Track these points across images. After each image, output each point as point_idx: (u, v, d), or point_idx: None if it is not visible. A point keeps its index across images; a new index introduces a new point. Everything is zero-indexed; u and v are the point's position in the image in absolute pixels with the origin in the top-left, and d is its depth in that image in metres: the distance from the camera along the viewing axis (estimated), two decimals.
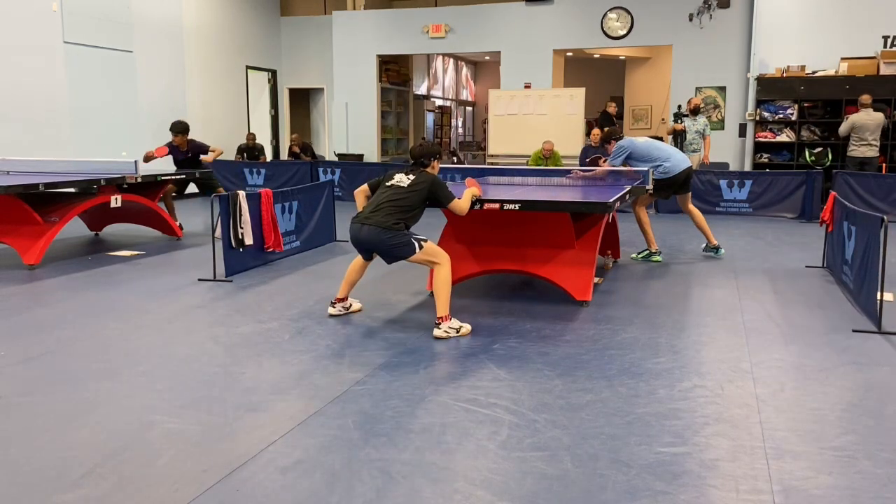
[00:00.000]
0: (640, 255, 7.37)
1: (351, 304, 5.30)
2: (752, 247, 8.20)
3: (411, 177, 4.95)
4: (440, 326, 4.72)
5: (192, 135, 9.25)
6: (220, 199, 6.50)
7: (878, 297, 4.83)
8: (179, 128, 8.83)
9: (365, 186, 5.14)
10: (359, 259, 5.15)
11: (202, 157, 9.04)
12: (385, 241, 4.74)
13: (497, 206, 5.11)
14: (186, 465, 2.91)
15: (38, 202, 7.06)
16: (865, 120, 10.61)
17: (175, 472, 2.84)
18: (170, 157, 8.99)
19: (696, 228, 7.60)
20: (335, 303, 5.22)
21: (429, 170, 5.05)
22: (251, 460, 2.94)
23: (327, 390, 3.72)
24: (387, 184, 4.97)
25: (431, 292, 5.80)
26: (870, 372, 4.04)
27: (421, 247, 4.78)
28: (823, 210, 6.73)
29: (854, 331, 4.81)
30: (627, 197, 6.22)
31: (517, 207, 5.09)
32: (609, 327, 4.92)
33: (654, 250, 7.34)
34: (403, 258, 4.84)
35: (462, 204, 5.01)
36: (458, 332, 4.74)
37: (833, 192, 6.75)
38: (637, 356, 4.30)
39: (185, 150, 8.93)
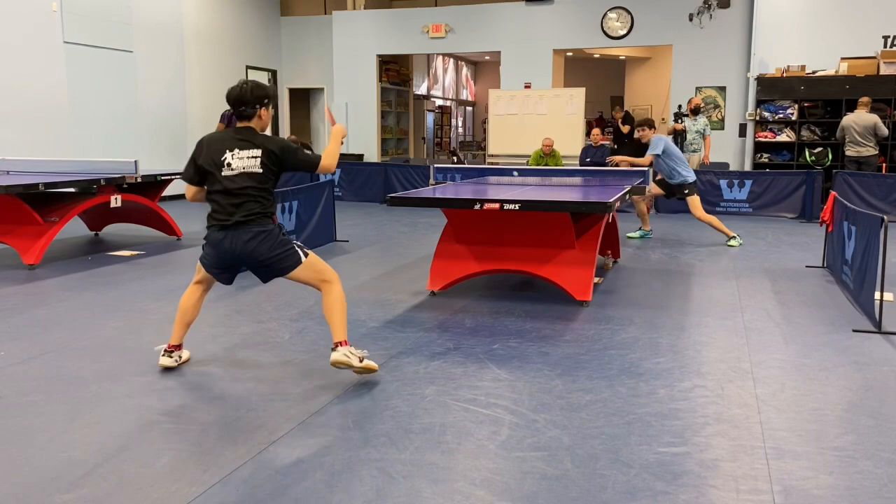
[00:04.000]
0: (736, 242, 8.20)
1: (182, 354, 4.08)
2: (752, 247, 8.20)
3: (249, 151, 3.64)
4: (338, 350, 3.72)
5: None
6: None
7: (878, 297, 4.83)
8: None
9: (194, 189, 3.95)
10: (195, 290, 4.00)
11: None
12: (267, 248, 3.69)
13: (497, 206, 5.11)
14: (186, 465, 2.91)
15: (38, 202, 7.06)
16: (852, 122, 10.58)
17: (175, 472, 2.84)
18: None
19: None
20: (170, 351, 4.00)
21: (254, 122, 3.72)
22: (251, 460, 2.94)
23: (328, 390, 3.72)
24: (223, 175, 3.66)
25: (432, 292, 5.82)
26: (870, 372, 4.04)
27: (306, 255, 3.79)
28: (823, 210, 6.73)
29: (854, 331, 4.81)
30: (628, 197, 6.22)
31: (517, 207, 5.09)
32: (609, 327, 4.92)
33: (730, 234, 8.28)
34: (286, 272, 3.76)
35: (331, 161, 3.75)
36: (360, 361, 3.72)
37: (833, 192, 6.75)
38: (637, 356, 4.30)
39: None
